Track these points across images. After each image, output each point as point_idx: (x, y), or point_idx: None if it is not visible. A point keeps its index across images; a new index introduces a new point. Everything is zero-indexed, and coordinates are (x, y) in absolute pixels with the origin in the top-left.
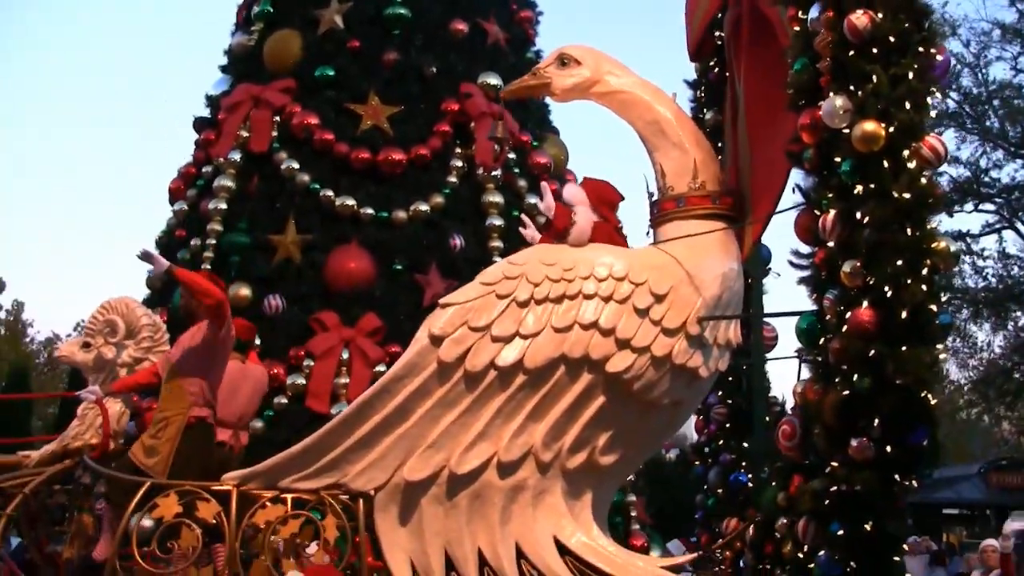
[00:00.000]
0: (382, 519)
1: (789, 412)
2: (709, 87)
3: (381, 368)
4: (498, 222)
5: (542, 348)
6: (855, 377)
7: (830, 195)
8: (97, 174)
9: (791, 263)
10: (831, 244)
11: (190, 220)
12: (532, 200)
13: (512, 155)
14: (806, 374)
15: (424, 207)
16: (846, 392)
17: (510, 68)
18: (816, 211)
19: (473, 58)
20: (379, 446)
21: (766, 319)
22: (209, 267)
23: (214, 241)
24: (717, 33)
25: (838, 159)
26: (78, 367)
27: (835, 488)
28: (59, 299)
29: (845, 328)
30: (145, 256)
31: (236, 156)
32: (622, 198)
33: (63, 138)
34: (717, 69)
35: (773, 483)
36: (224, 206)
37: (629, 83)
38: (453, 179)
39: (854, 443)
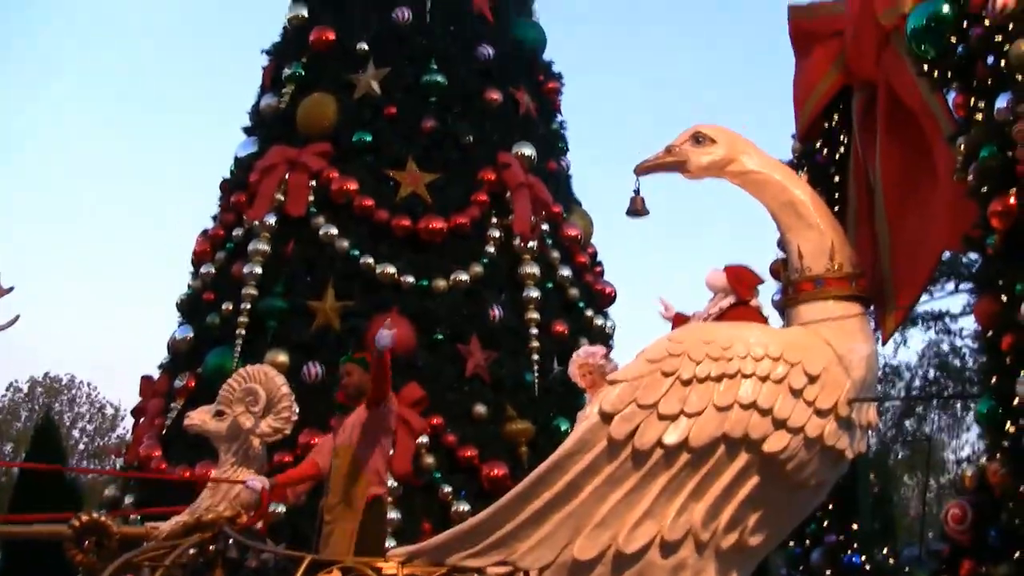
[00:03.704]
0: None
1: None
2: (814, 168)
3: (424, 439)
4: (534, 293)
5: (705, 427)
6: None
7: None
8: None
9: (972, 348)
10: None
11: (218, 283)
12: (565, 272)
13: (545, 226)
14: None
15: (464, 276)
16: None
17: (540, 138)
18: (1002, 296)
19: (506, 127)
20: (548, 523)
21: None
22: (244, 332)
23: (248, 306)
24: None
25: None
26: (209, 436)
27: None
28: None
29: None
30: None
31: (271, 219)
32: (762, 281)
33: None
34: (825, 151)
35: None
36: (259, 270)
37: (763, 163)
38: (491, 249)
39: None
